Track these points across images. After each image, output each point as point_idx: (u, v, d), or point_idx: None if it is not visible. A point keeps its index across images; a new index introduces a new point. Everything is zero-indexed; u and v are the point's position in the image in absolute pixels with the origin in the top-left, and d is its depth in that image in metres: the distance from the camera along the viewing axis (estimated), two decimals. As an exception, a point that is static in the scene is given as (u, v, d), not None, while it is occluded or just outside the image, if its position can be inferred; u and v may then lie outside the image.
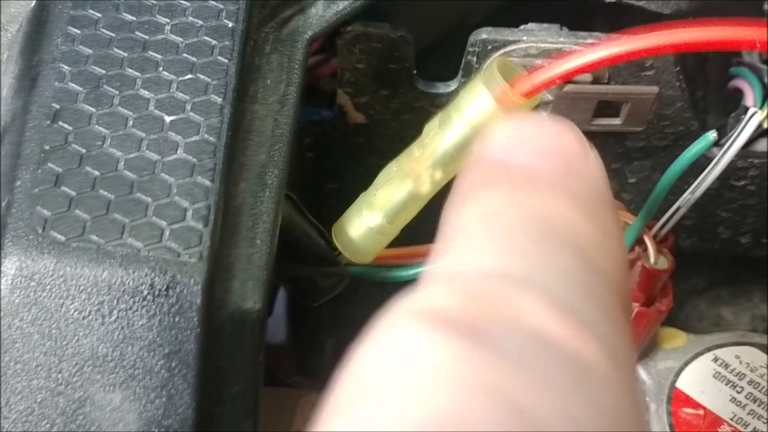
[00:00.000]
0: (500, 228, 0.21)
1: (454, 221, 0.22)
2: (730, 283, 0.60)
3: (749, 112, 0.41)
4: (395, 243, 0.37)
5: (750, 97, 0.44)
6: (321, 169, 0.48)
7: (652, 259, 0.40)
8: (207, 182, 0.30)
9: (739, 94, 0.45)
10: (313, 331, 0.62)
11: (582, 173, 0.23)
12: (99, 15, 0.33)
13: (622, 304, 0.21)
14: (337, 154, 0.47)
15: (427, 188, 0.33)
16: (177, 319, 0.28)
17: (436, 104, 0.44)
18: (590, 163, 0.23)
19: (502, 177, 0.22)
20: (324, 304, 0.41)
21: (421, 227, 0.36)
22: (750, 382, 0.43)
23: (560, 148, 0.23)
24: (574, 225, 0.21)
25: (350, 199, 0.37)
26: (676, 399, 0.43)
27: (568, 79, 0.30)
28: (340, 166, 0.47)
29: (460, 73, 0.42)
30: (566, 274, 0.20)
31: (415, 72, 0.43)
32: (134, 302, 0.28)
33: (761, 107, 0.43)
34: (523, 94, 0.30)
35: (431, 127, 0.32)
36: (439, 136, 0.32)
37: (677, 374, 0.43)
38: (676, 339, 0.45)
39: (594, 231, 0.21)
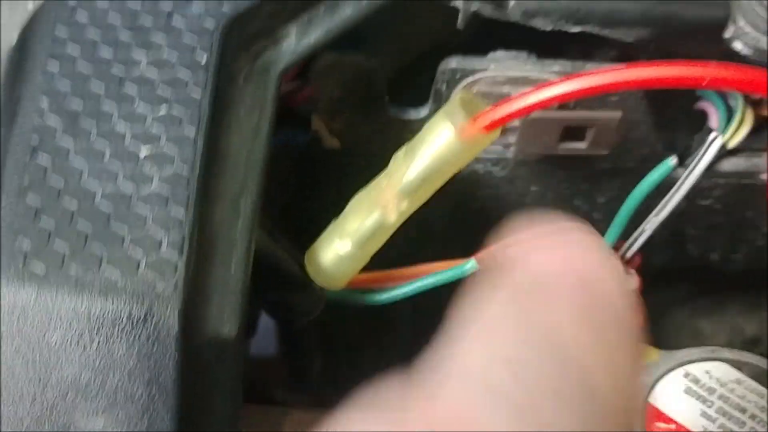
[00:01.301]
0: (500, 337, 0.21)
1: (457, 324, 0.22)
2: (708, 295, 0.61)
3: (710, 137, 0.42)
4: (370, 267, 0.38)
5: (714, 119, 0.45)
6: (301, 191, 0.49)
7: (618, 280, 0.41)
8: (181, 214, 0.31)
9: (704, 115, 0.46)
10: (303, 346, 0.63)
11: (597, 291, 0.22)
12: (77, 52, 0.34)
13: None
14: (315, 177, 0.48)
15: (394, 217, 0.34)
16: (155, 348, 0.30)
17: (409, 129, 0.45)
18: (607, 281, 0.22)
19: (512, 284, 0.22)
20: (313, 320, 0.41)
21: (397, 251, 0.37)
22: (720, 397, 0.44)
23: (577, 260, 0.22)
24: (578, 345, 0.21)
25: (331, 220, 0.38)
26: (650, 414, 0.44)
27: (527, 114, 0.31)
28: (319, 189, 0.48)
29: (431, 99, 0.43)
30: (556, 394, 0.20)
31: (387, 99, 0.44)
32: (113, 332, 0.29)
33: (725, 129, 0.44)
34: (484, 128, 0.31)
35: (397, 158, 0.34)
36: (403, 168, 0.33)
37: (650, 390, 0.44)
38: (648, 355, 0.46)
39: (599, 356, 0.21)
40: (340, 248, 0.35)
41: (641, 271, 0.43)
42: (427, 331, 0.63)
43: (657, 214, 0.41)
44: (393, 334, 0.62)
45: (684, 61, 0.29)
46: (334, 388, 0.63)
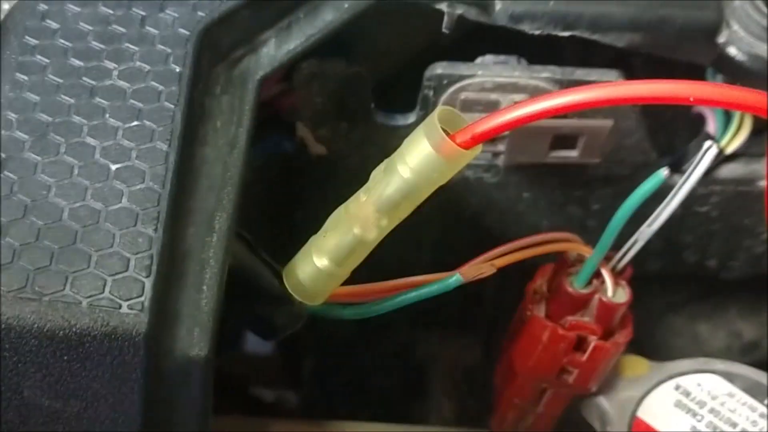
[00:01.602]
0: None
1: None
2: (706, 299, 0.60)
3: (705, 145, 0.41)
4: (352, 280, 0.37)
5: (711, 124, 0.44)
6: (289, 199, 0.48)
7: (609, 293, 0.40)
8: (150, 232, 0.30)
9: (702, 119, 0.45)
10: (295, 346, 0.63)
11: None
12: (47, 61, 0.34)
13: None
14: (302, 184, 0.47)
15: (373, 234, 0.33)
16: (119, 371, 0.29)
17: (397, 136, 0.44)
18: None
19: None
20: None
21: (377, 265, 0.36)
22: (711, 411, 0.43)
23: None
24: None
25: (318, 228, 0.37)
26: (637, 429, 0.43)
27: (509, 129, 0.30)
28: (307, 196, 0.47)
29: (418, 106, 0.42)
30: None
31: (373, 105, 0.43)
32: (76, 354, 0.28)
33: (722, 134, 0.43)
34: (464, 144, 0.30)
35: (377, 173, 0.33)
36: (383, 184, 0.32)
37: (638, 403, 0.43)
38: (639, 367, 0.45)
39: None
40: (318, 264, 0.34)
41: (635, 280, 0.42)
42: (421, 330, 0.63)
43: (650, 225, 0.40)
44: (387, 334, 0.61)
45: (669, 79, 0.28)
46: (324, 392, 0.63)
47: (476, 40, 0.44)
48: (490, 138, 0.30)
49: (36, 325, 0.28)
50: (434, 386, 0.64)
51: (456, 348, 0.64)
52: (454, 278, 0.37)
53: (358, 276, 0.37)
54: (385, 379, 0.63)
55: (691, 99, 0.28)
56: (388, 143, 0.44)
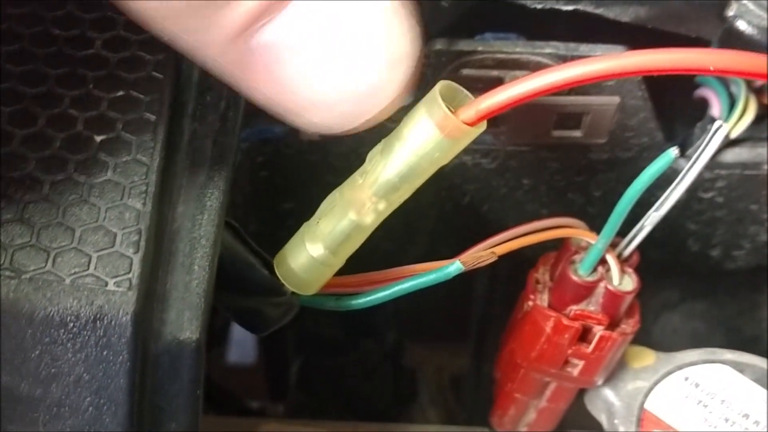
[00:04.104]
0: None
1: None
2: (705, 295, 0.59)
3: (715, 125, 0.39)
4: (344, 270, 0.35)
5: (716, 107, 0.43)
6: (276, 188, 0.46)
7: (615, 281, 0.38)
8: (138, 205, 0.28)
9: (704, 103, 0.43)
10: (281, 353, 0.61)
11: None
12: (26, 30, 0.32)
13: None
14: (291, 172, 0.45)
15: (370, 219, 0.31)
16: (105, 353, 0.27)
17: (392, 118, 0.42)
18: None
19: None
20: (290, 324, 0.39)
21: (370, 254, 0.34)
22: (722, 402, 0.41)
23: None
24: None
25: (307, 218, 0.35)
26: (646, 421, 0.41)
27: (516, 106, 0.28)
28: (295, 185, 0.45)
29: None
30: None
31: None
32: (58, 336, 0.27)
33: (727, 117, 0.42)
34: (468, 121, 0.28)
35: (374, 155, 0.31)
36: (381, 165, 0.30)
37: (646, 395, 0.42)
38: (645, 357, 0.43)
39: None
40: (311, 252, 0.32)
41: (640, 270, 0.40)
42: (409, 335, 0.62)
43: (658, 209, 0.38)
44: (373, 339, 0.60)
45: (689, 47, 0.27)
46: (310, 397, 0.62)
47: (472, 21, 0.43)
48: (496, 114, 0.29)
49: (15, 305, 0.26)
50: (421, 392, 0.63)
51: (443, 354, 0.63)
52: (454, 266, 0.35)
53: (347, 269, 0.35)
54: (371, 385, 0.62)
55: (712, 68, 0.27)
56: (384, 126, 0.42)
